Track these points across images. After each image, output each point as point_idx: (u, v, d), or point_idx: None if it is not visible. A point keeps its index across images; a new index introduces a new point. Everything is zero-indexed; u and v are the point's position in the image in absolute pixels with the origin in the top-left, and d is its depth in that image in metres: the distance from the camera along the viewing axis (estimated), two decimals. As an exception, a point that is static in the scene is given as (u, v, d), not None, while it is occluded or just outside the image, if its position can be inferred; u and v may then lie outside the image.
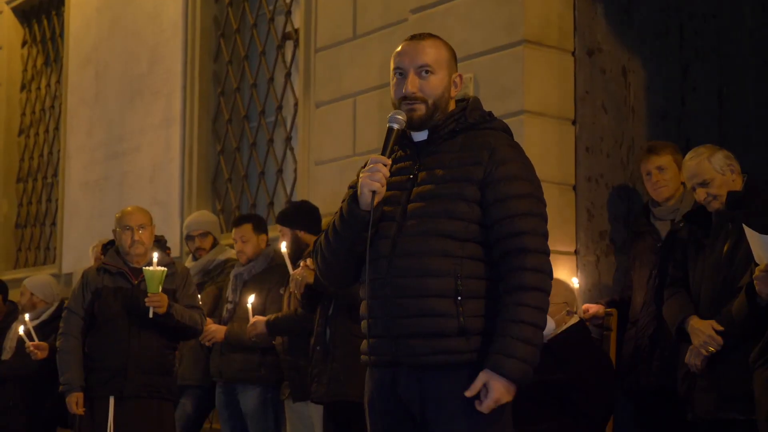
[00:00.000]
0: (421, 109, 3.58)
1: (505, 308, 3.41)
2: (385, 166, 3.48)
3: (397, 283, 3.49)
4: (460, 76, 3.69)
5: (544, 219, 3.55)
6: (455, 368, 3.44)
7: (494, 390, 3.37)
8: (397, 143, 3.61)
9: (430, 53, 3.61)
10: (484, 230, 3.49)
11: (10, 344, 7.85)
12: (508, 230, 3.46)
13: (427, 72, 3.59)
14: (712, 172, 5.07)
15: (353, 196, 3.53)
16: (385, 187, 3.50)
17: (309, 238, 6.31)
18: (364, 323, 3.60)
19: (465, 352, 3.43)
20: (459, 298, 3.43)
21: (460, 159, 3.54)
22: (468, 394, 3.39)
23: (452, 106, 3.67)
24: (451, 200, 3.48)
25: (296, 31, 8.15)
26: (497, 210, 3.47)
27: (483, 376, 3.38)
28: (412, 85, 3.58)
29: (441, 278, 3.44)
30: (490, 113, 3.70)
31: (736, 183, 5.09)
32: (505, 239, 3.46)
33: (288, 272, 6.12)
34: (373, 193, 3.47)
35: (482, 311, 3.45)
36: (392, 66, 3.65)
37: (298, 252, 6.24)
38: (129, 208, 6.37)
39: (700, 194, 5.10)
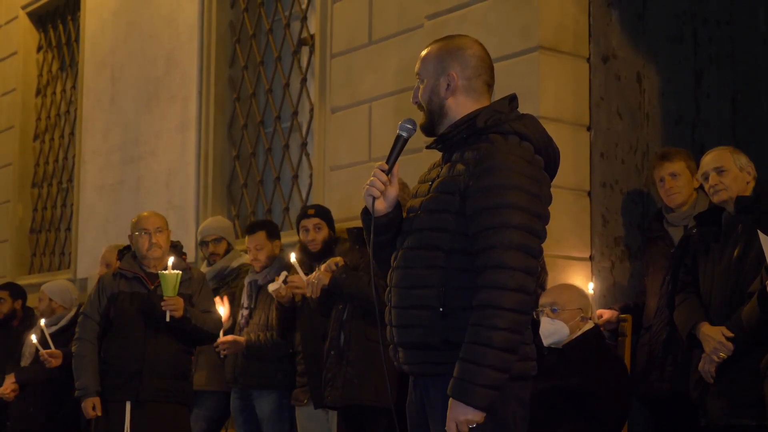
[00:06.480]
0: (423, 116, 3.65)
1: (469, 328, 3.35)
2: (384, 172, 3.52)
3: (394, 294, 3.55)
4: (453, 74, 3.58)
5: (528, 230, 3.36)
6: (442, 377, 3.43)
7: (450, 410, 3.35)
8: (436, 146, 3.65)
9: (421, 61, 3.65)
10: (471, 240, 3.42)
11: (29, 350, 7.84)
12: (480, 245, 3.36)
13: (419, 80, 3.65)
14: (731, 163, 5.11)
15: (365, 207, 3.60)
16: (388, 193, 3.54)
17: (332, 233, 6.36)
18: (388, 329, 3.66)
19: (449, 363, 3.38)
20: (442, 309, 3.41)
21: (453, 168, 3.49)
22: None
23: (459, 106, 3.59)
24: (439, 212, 3.47)
25: (312, 36, 8.16)
26: (473, 223, 3.39)
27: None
28: (414, 94, 3.66)
29: (426, 289, 3.44)
30: (505, 115, 3.56)
31: (749, 186, 5.12)
32: (478, 254, 3.37)
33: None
34: (373, 198, 3.52)
35: (468, 322, 3.38)
36: None
37: (330, 250, 6.25)
38: (145, 213, 6.43)
39: (713, 179, 5.11)
